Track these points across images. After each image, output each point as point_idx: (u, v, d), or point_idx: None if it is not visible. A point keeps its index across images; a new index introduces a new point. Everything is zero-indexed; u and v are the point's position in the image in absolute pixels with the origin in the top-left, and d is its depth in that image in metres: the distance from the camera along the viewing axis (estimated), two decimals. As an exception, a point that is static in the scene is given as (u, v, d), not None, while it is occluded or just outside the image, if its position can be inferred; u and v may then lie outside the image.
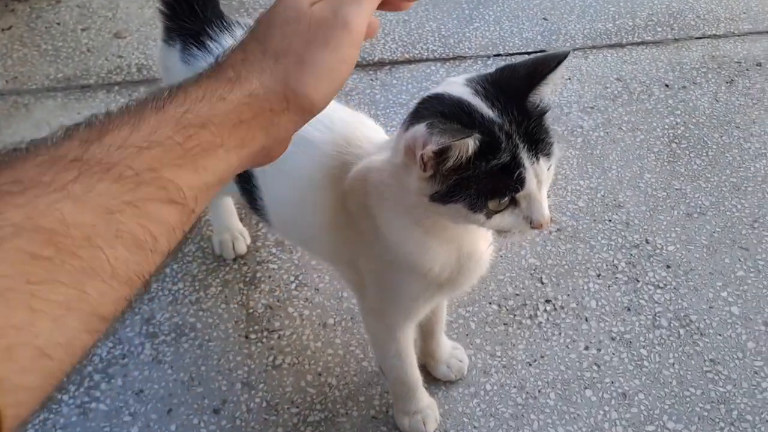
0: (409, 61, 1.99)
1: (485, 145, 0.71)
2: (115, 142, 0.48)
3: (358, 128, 1.02)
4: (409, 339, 1.11)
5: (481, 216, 0.76)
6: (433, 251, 0.89)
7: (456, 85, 0.79)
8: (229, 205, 1.46)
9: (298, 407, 1.27)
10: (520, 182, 0.74)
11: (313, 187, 0.99)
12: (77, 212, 0.44)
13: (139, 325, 1.37)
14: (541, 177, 0.75)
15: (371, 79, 1.92)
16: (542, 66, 0.75)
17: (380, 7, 0.66)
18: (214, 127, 0.54)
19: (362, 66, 1.95)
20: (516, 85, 0.75)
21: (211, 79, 0.57)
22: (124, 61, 1.96)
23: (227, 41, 1.08)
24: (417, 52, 2.02)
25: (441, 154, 0.70)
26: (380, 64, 1.97)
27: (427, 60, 2.00)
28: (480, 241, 0.92)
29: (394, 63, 1.98)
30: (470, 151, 0.71)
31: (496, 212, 0.76)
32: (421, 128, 0.70)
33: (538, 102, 0.76)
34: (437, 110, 0.75)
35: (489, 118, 0.73)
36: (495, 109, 0.74)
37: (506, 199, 0.75)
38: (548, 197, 0.79)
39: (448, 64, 1.99)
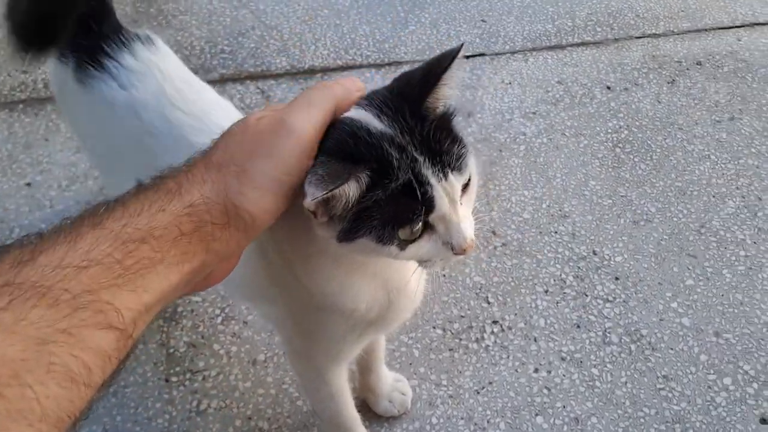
0: (342, 68, 1.89)
1: (377, 170, 0.60)
2: (51, 262, 0.47)
3: None
4: (341, 379, 1.01)
5: (393, 248, 0.64)
6: (357, 289, 0.78)
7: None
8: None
9: (226, 456, 1.16)
10: (428, 204, 0.62)
11: None
12: (6, 345, 0.41)
13: (48, 371, 1.24)
14: (453, 195, 0.64)
15: (302, 88, 1.81)
16: (436, 65, 0.65)
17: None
18: (154, 241, 0.52)
19: (292, 74, 1.85)
20: (410, 90, 0.65)
21: (150, 190, 0.55)
22: (29, 77, 1.80)
23: (127, 59, 0.96)
24: (350, 57, 1.92)
25: (325, 202, 0.60)
26: (311, 72, 1.86)
27: (361, 66, 1.90)
28: (409, 272, 0.81)
29: (326, 70, 1.88)
30: (356, 192, 0.60)
31: (411, 241, 0.65)
32: (307, 174, 0.60)
33: (439, 107, 0.65)
34: (325, 145, 0.64)
35: (378, 132, 0.62)
36: (384, 117, 0.63)
37: (418, 225, 0.64)
38: (473, 215, 0.69)
39: (383, 70, 1.90)
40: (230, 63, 1.86)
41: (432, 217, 0.64)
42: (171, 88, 0.94)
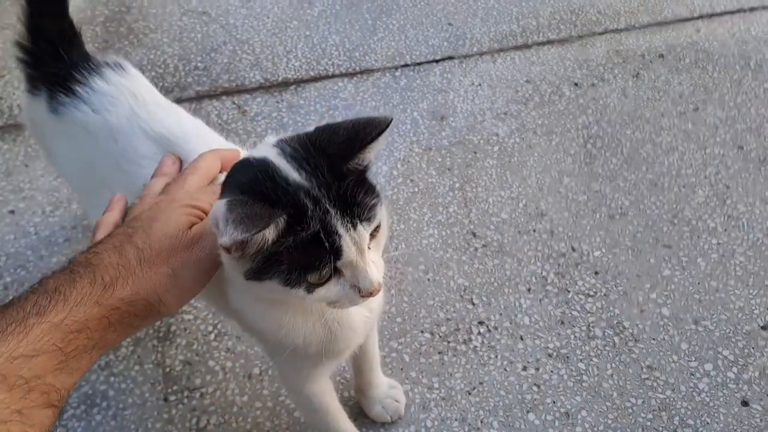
0: (315, 79, 1.91)
1: (291, 216, 0.63)
2: (5, 353, 0.55)
3: None
4: (323, 393, 1.03)
5: (300, 291, 0.67)
6: (290, 326, 0.79)
7: (266, 146, 0.70)
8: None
9: (228, 472, 1.17)
10: (336, 252, 0.65)
11: None
12: None
13: (44, 400, 1.24)
14: (361, 244, 0.67)
15: (277, 102, 1.82)
16: (363, 133, 0.67)
17: None
18: (89, 332, 0.60)
19: (266, 88, 1.86)
20: (333, 150, 0.67)
21: (86, 280, 0.62)
22: (4, 103, 1.79)
23: (99, 84, 0.97)
24: (322, 68, 1.94)
25: (241, 243, 0.61)
26: (285, 85, 1.88)
27: (333, 76, 1.92)
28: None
29: (299, 82, 1.89)
30: (272, 237, 0.62)
31: (320, 285, 0.68)
32: (221, 208, 0.61)
33: (358, 167, 0.68)
34: (240, 181, 0.66)
35: (295, 183, 0.65)
36: (303, 171, 0.65)
37: (325, 271, 0.67)
38: (381, 257, 0.72)
39: (356, 78, 1.92)
40: (205, 79, 1.87)
41: (340, 263, 0.67)
42: (143, 111, 0.96)
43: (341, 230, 0.65)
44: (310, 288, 0.67)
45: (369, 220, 0.67)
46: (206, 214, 0.73)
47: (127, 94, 0.97)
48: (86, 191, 1.14)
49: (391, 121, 0.68)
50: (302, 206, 0.63)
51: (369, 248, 0.69)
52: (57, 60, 0.99)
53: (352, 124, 0.69)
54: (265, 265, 0.65)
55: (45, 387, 0.56)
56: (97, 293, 0.62)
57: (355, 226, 0.66)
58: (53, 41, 1.01)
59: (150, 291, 0.65)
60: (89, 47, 1.08)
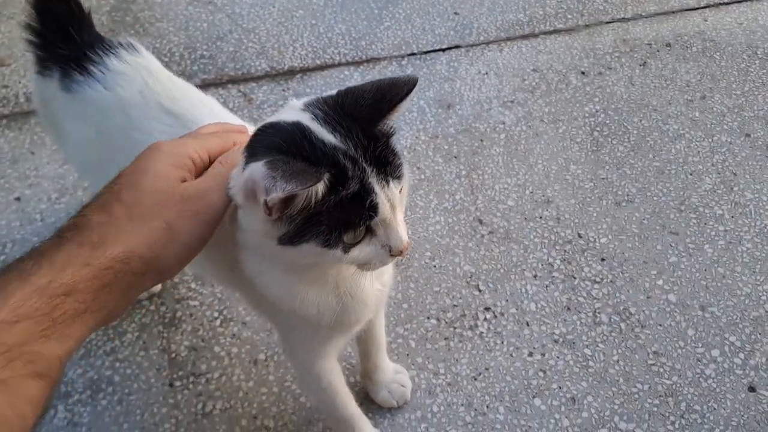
0: (321, 68, 1.90)
1: (333, 176, 0.64)
2: None
3: None
4: (332, 373, 1.03)
5: (338, 251, 0.68)
6: (305, 295, 0.80)
7: (293, 110, 0.70)
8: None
9: (234, 456, 1.18)
10: (373, 209, 0.67)
11: None
12: None
13: (50, 384, 1.25)
14: (393, 201, 0.69)
15: (283, 90, 1.82)
16: (391, 93, 0.69)
17: None
18: (79, 294, 0.56)
19: (272, 76, 1.86)
20: (362, 112, 0.69)
21: (74, 243, 0.59)
22: (10, 91, 1.79)
23: (113, 63, 0.97)
24: (328, 57, 1.94)
25: (288, 199, 0.62)
26: (291, 73, 1.87)
27: (339, 65, 1.92)
28: (362, 277, 0.81)
29: (305, 70, 1.89)
30: (321, 193, 0.63)
31: (354, 245, 0.69)
32: (260, 168, 0.61)
33: (385, 127, 0.70)
34: (274, 143, 0.66)
35: (332, 145, 0.66)
36: (337, 134, 0.67)
37: (362, 229, 0.69)
38: (405, 221, 0.74)
39: (362, 67, 1.92)
40: (210, 68, 1.87)
41: (374, 222, 0.68)
42: (158, 85, 0.96)
43: (377, 188, 0.67)
44: (347, 248, 0.69)
45: (399, 178, 0.70)
46: (196, 167, 0.72)
47: (142, 70, 0.97)
48: (93, 172, 1.14)
49: (417, 80, 0.70)
50: (342, 166, 0.65)
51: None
52: (68, 40, 0.99)
53: (376, 87, 0.70)
54: (304, 228, 0.66)
55: (30, 355, 0.52)
56: (86, 254, 0.58)
57: (388, 184, 0.68)
58: (63, 22, 1.01)
59: (144, 247, 0.61)
60: (96, 33, 1.08)
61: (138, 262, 0.61)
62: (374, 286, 0.87)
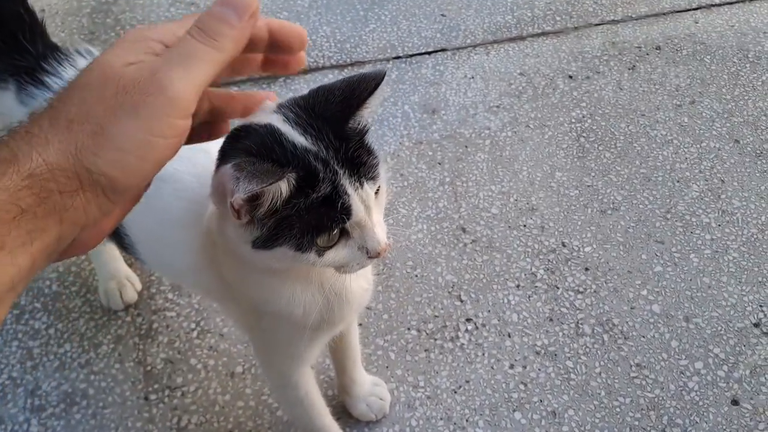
0: (304, 71, 1.88)
1: (302, 179, 0.63)
2: None
3: None
4: (308, 384, 1.02)
5: (311, 255, 0.68)
6: (290, 295, 0.80)
7: (266, 112, 0.69)
8: (112, 249, 1.32)
9: (209, 472, 1.16)
10: (346, 212, 0.66)
11: (177, 225, 0.89)
12: None
13: (23, 398, 1.23)
14: (368, 202, 0.68)
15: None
16: (359, 89, 0.68)
17: (249, 70, 0.60)
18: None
19: (254, 80, 1.83)
20: (332, 110, 0.67)
21: None
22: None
23: (69, 74, 0.95)
24: (312, 60, 1.91)
25: (253, 200, 0.62)
26: (273, 77, 1.85)
27: (324, 68, 1.90)
28: (346, 275, 0.80)
29: (288, 74, 1.87)
30: (285, 193, 0.62)
31: (329, 248, 0.69)
32: (227, 170, 0.60)
33: (356, 125, 0.69)
34: (245, 146, 0.65)
35: (302, 147, 0.65)
36: (308, 136, 0.65)
37: (335, 232, 0.68)
38: (385, 221, 0.73)
39: (346, 70, 1.89)
40: (191, 71, 1.84)
41: (349, 224, 0.68)
42: None
43: (350, 190, 0.66)
44: (321, 251, 0.68)
45: (373, 179, 0.69)
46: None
47: None
48: None
49: (385, 73, 0.69)
50: (313, 169, 0.64)
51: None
52: (22, 52, 0.97)
53: (345, 83, 0.69)
54: (276, 231, 0.66)
55: None
56: None
57: (362, 185, 0.67)
58: (14, 34, 0.98)
59: (69, 156, 0.47)
60: (75, 39, 1.06)
61: (62, 177, 0.47)
62: (360, 285, 0.87)
